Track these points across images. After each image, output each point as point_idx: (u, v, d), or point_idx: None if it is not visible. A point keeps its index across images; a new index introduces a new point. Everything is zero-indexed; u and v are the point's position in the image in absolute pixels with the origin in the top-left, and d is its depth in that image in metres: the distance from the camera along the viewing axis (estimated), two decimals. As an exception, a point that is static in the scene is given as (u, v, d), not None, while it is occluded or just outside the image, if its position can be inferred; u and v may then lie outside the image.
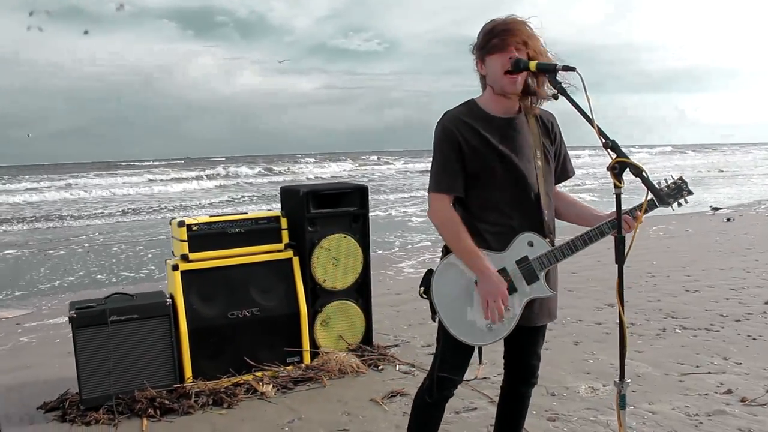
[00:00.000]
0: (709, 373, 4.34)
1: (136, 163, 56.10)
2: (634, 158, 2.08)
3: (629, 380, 2.26)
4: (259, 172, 34.58)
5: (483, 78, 2.44)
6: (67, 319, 3.98)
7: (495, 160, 2.37)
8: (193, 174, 32.70)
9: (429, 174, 2.48)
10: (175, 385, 4.08)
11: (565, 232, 2.52)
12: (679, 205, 2.49)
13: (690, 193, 2.48)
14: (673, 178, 2.48)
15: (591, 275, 7.38)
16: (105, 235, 13.40)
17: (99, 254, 10.92)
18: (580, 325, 5.50)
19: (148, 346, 4.05)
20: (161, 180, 30.02)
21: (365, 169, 36.27)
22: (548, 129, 2.50)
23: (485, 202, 2.42)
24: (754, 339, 5.01)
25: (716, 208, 14.16)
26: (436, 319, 2.44)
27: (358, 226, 4.72)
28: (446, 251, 2.47)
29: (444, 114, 2.46)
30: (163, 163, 55.10)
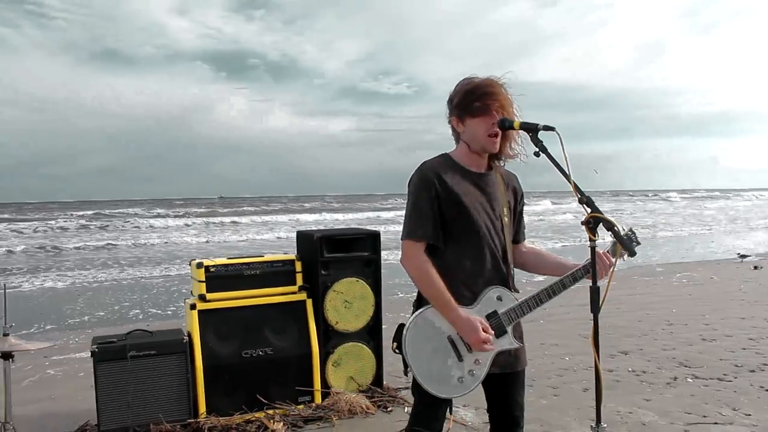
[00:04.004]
0: (716, 423, 4.35)
1: (175, 201, 57.44)
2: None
3: (605, 425, 2.34)
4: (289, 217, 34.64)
5: (458, 134, 2.58)
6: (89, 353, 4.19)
7: (465, 214, 2.49)
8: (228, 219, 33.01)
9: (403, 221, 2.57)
10: (189, 420, 4.24)
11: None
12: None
13: (637, 243, 2.52)
14: (624, 230, 2.46)
15: (608, 322, 7.38)
16: (135, 272, 13.74)
17: (130, 290, 11.25)
18: (590, 372, 5.48)
19: (165, 381, 4.23)
20: (196, 223, 30.31)
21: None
22: (513, 187, 2.68)
23: (457, 254, 2.51)
24: (767, 390, 5.00)
25: (744, 256, 14.01)
26: (409, 374, 2.51)
27: (371, 271, 4.87)
28: (418, 305, 2.54)
29: (422, 163, 2.57)
30: (203, 200, 56.41)
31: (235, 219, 32.69)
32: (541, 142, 2.37)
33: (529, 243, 2.81)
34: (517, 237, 2.73)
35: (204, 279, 4.43)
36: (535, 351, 6.18)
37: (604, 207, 2.23)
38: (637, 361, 5.82)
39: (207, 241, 21.79)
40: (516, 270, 2.70)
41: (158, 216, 34.27)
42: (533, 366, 5.68)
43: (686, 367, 5.67)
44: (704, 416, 4.48)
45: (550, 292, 2.51)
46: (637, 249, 2.49)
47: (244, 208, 43.40)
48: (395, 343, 2.54)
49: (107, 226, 28.05)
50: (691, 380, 5.29)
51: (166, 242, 21.21)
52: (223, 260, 4.57)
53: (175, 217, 34.23)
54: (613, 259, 2.45)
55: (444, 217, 2.51)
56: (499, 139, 2.50)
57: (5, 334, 2.95)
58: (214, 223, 30.72)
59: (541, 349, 6.28)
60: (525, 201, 2.77)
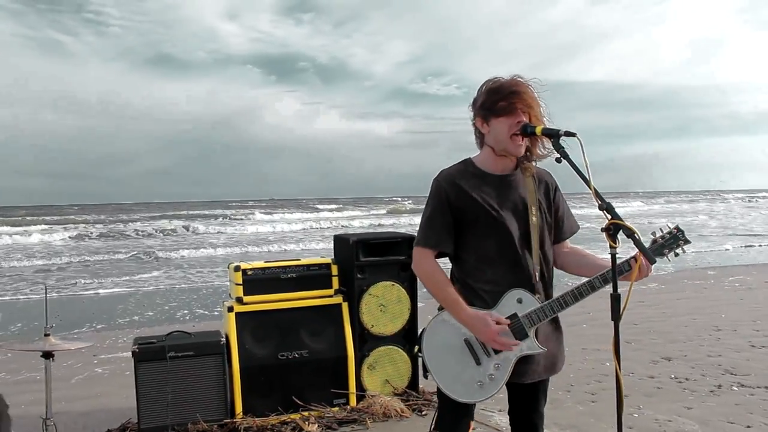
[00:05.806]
0: (760, 434, 4.23)
1: (233, 203, 58.55)
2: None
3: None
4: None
5: (481, 136, 2.53)
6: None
7: (484, 218, 2.46)
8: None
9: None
10: (226, 420, 4.32)
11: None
12: (676, 255, 2.49)
13: (687, 242, 2.48)
14: (669, 227, 2.49)
15: (652, 327, 7.24)
16: (194, 274, 14.08)
17: (181, 292, 11.54)
18: (631, 378, 5.42)
19: (203, 382, 4.33)
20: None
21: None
22: (546, 186, 2.58)
23: (477, 259, 2.49)
24: (817, 400, 4.83)
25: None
26: (428, 377, 2.51)
27: (407, 275, 4.87)
28: (440, 309, 2.55)
29: (440, 172, 2.57)
30: (262, 204, 57.22)
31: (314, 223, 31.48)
32: (563, 148, 2.35)
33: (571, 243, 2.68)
34: (557, 236, 2.61)
35: (241, 282, 4.52)
36: (576, 356, 6.10)
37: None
38: (680, 368, 5.69)
39: (285, 251, 19.92)
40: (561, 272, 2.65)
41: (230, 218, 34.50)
42: (572, 371, 5.61)
43: (732, 374, 5.50)
44: (748, 426, 4.34)
45: (577, 294, 2.42)
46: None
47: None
48: (417, 347, 2.56)
49: (171, 229, 28.51)
50: (736, 388, 5.13)
51: (230, 248, 21.02)
52: (261, 263, 4.65)
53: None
54: (633, 273, 2.34)
55: (462, 224, 2.50)
56: (523, 141, 2.45)
57: (46, 335, 3.08)
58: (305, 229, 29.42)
59: (582, 354, 6.19)
60: (562, 196, 2.62)
